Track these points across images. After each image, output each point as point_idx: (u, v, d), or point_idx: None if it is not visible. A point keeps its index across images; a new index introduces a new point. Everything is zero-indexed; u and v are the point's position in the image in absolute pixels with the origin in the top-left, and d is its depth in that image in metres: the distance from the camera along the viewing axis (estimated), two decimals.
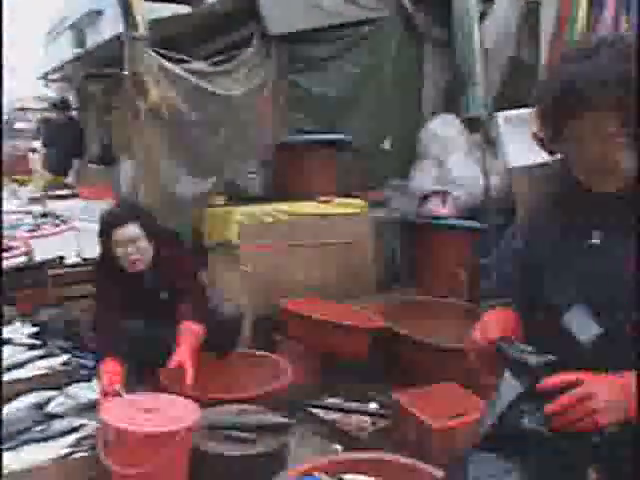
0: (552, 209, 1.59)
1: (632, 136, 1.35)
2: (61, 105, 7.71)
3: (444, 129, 5.25)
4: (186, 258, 3.30)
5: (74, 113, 8.19)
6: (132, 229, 3.03)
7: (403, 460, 2.21)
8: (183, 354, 2.87)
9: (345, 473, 2.20)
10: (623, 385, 1.28)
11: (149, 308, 3.22)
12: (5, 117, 9.02)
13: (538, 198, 1.71)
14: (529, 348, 1.39)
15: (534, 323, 1.60)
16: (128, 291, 3.16)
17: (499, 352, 1.42)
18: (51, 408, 2.93)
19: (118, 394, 2.66)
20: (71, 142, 7.39)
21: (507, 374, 1.37)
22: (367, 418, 3.35)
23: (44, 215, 5.52)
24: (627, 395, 1.27)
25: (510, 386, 1.35)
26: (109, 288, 3.19)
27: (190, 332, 2.97)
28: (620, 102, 1.32)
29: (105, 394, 2.70)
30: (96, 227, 3.19)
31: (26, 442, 2.62)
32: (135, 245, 3.03)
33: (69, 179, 7.31)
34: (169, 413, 2.41)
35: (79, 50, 8.59)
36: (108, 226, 3.07)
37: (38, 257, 4.61)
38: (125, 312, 3.20)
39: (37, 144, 10.08)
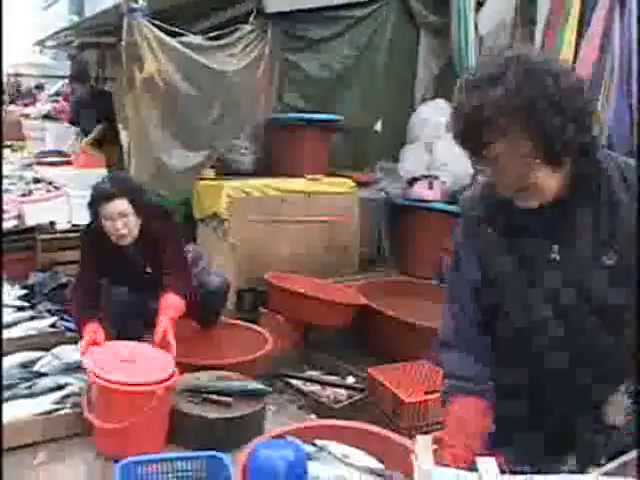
0: (501, 224, 1.56)
1: (546, 155, 1.37)
2: (83, 76, 7.55)
3: (435, 114, 5.32)
4: (172, 233, 3.33)
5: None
6: (121, 204, 3.05)
7: (374, 429, 2.32)
8: (166, 328, 2.91)
9: (316, 439, 2.31)
10: None
11: (133, 279, 3.28)
12: None
13: (473, 214, 1.64)
14: None
15: (502, 342, 1.62)
16: (113, 261, 3.22)
17: None
18: (38, 367, 3.02)
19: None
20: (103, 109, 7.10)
21: None
22: (344, 391, 3.47)
23: (37, 181, 5.55)
24: None
25: None
26: (94, 257, 3.24)
27: (172, 306, 3.02)
28: (529, 126, 1.34)
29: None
30: (87, 195, 3.24)
31: (13, 398, 2.71)
32: (123, 220, 3.06)
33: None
34: (150, 372, 2.51)
35: (76, 18, 8.57)
36: (98, 199, 3.11)
37: (29, 222, 4.67)
38: (108, 281, 3.27)
39: (29, 110, 10.04)
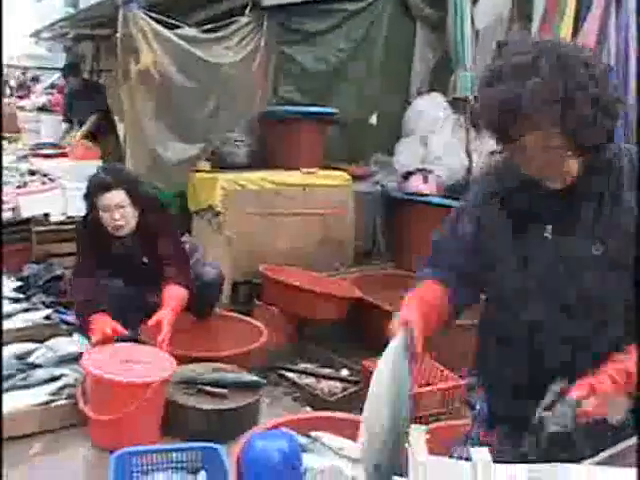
0: (506, 202, 1.57)
1: (578, 146, 1.37)
2: (75, 71, 7.51)
3: (431, 108, 5.31)
4: (169, 225, 3.34)
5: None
6: (118, 195, 3.06)
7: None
8: (164, 314, 2.96)
9: (311, 430, 2.32)
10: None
11: (131, 271, 3.29)
12: None
13: (487, 189, 1.66)
14: None
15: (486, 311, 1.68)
16: (110, 253, 3.22)
17: None
18: (33, 359, 3.02)
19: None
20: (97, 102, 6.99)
21: None
22: (338, 384, 3.48)
23: (32, 173, 5.54)
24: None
25: None
26: (92, 248, 3.25)
27: (175, 296, 3.06)
28: (564, 117, 1.31)
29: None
30: (82, 187, 3.24)
31: (9, 389, 2.71)
32: (120, 211, 3.07)
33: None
34: (147, 365, 2.52)
35: (71, 9, 8.52)
36: (94, 190, 3.11)
37: (24, 214, 4.65)
38: (106, 272, 3.28)
39: (24, 102, 10.02)
